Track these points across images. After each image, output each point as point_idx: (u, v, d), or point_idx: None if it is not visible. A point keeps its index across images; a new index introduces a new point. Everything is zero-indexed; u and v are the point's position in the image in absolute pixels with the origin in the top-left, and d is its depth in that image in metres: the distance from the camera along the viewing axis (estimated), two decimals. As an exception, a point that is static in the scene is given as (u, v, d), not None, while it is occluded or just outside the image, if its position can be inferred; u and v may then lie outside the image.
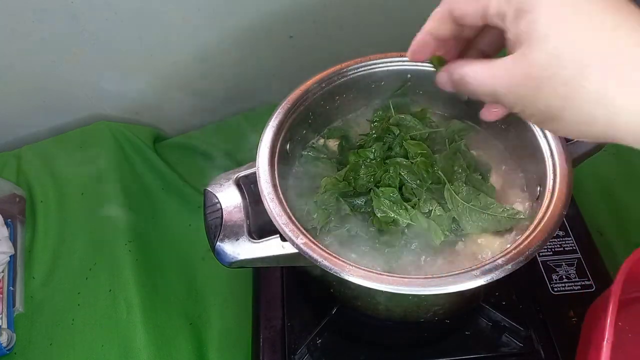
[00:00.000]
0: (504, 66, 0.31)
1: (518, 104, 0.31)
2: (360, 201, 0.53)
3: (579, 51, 0.27)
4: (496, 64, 0.31)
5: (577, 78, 0.27)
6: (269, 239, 0.47)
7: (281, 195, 0.48)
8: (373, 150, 0.55)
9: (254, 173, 0.50)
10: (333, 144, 0.60)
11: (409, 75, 0.59)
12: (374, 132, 0.58)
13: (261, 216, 0.49)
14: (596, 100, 0.27)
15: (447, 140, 0.56)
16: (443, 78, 0.38)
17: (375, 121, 0.60)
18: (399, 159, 0.54)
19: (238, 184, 0.52)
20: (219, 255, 0.48)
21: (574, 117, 0.28)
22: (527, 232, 0.44)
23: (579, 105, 0.28)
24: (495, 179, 0.56)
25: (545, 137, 0.50)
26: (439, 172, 0.52)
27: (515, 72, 0.30)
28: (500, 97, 0.32)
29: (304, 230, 0.45)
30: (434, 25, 0.36)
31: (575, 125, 0.29)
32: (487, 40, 0.38)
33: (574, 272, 0.60)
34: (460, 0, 0.33)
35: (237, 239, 0.48)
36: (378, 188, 0.52)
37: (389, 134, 0.57)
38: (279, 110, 0.54)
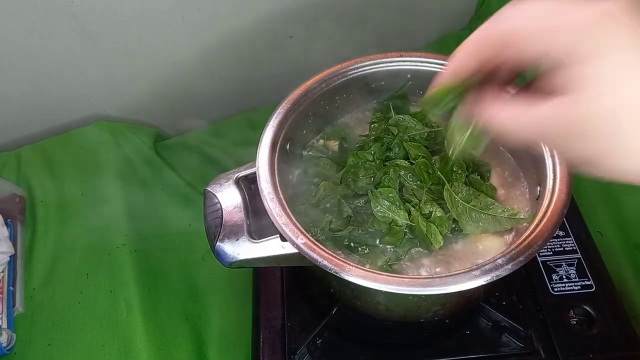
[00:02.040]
0: (552, 110, 0.28)
1: (556, 146, 0.31)
2: (360, 202, 0.53)
3: (630, 106, 0.26)
4: (541, 108, 0.29)
5: (627, 136, 0.27)
6: (269, 239, 0.47)
7: (281, 195, 0.48)
8: (372, 152, 0.55)
9: (254, 173, 0.50)
10: (333, 144, 0.60)
11: (409, 75, 0.59)
12: (373, 133, 0.58)
13: (261, 216, 0.49)
14: (634, 155, 0.27)
15: (445, 141, 0.56)
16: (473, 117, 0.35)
17: (374, 122, 0.60)
18: (399, 161, 0.54)
19: (238, 184, 0.52)
20: (219, 255, 0.48)
21: (616, 166, 0.28)
22: (527, 232, 0.44)
23: (620, 159, 0.27)
24: (495, 179, 0.56)
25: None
26: (439, 173, 0.52)
27: (558, 115, 0.28)
28: (540, 140, 0.30)
29: (304, 230, 0.45)
30: (459, 64, 0.33)
31: (612, 173, 0.28)
32: (506, 72, 0.34)
33: (574, 272, 0.60)
34: (521, 36, 0.29)
35: (237, 239, 0.48)
36: (377, 189, 0.52)
37: (388, 135, 0.57)
38: (279, 110, 0.54)
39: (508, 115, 0.31)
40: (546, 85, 0.29)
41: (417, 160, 0.53)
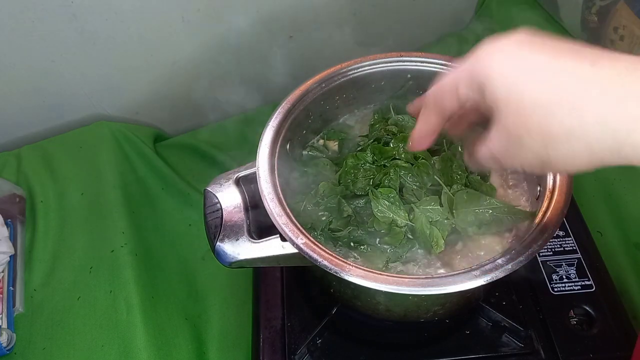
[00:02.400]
0: (491, 139, 0.35)
1: (513, 163, 0.35)
2: (360, 202, 0.53)
3: (536, 98, 0.30)
4: (486, 140, 0.35)
5: (546, 123, 0.30)
6: (269, 239, 0.47)
7: (281, 195, 0.48)
8: (372, 153, 0.55)
9: (254, 173, 0.50)
10: (333, 144, 0.60)
11: (409, 75, 0.59)
12: (373, 133, 0.58)
13: (261, 216, 0.49)
14: (568, 137, 0.30)
15: (445, 141, 0.56)
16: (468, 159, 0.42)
17: (374, 123, 0.60)
18: (399, 162, 0.54)
19: (238, 184, 0.52)
20: (219, 255, 0.48)
21: (559, 157, 0.31)
22: (527, 232, 0.44)
23: (555, 146, 0.30)
24: (495, 179, 0.56)
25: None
26: (436, 177, 0.52)
27: (500, 138, 0.34)
28: (504, 165, 0.36)
29: (304, 230, 0.45)
30: (423, 125, 0.40)
31: (564, 163, 0.31)
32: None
33: (574, 272, 0.60)
34: (435, 98, 0.38)
35: (237, 239, 0.48)
36: (377, 189, 0.52)
37: (388, 135, 0.57)
38: (279, 110, 0.54)
39: (478, 152, 0.37)
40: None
41: (416, 161, 0.53)
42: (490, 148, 0.35)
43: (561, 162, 0.31)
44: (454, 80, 0.36)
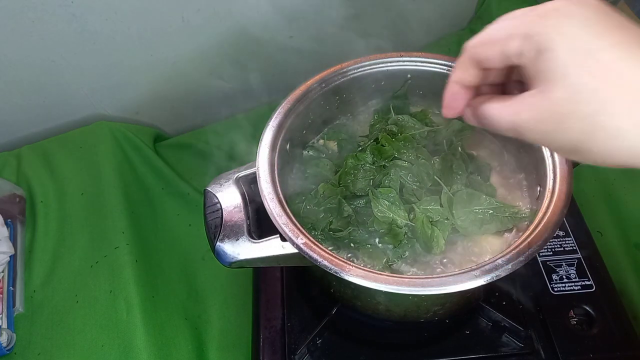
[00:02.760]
0: (525, 102, 0.32)
1: (541, 138, 0.32)
2: (360, 203, 0.53)
3: (597, 88, 0.28)
4: (516, 101, 0.32)
5: (597, 114, 0.28)
6: (269, 239, 0.47)
7: (281, 195, 0.48)
8: (371, 155, 0.55)
9: (254, 173, 0.50)
10: (333, 144, 0.60)
11: (409, 75, 0.59)
12: (373, 133, 0.58)
13: (261, 216, 0.49)
14: (616, 135, 0.28)
15: (445, 141, 0.56)
16: (467, 113, 0.38)
17: (374, 124, 0.60)
18: (399, 162, 0.54)
19: (238, 184, 0.52)
20: (219, 255, 0.48)
21: (596, 149, 0.29)
22: (527, 232, 0.44)
23: (601, 139, 0.29)
24: (495, 179, 0.56)
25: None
26: (436, 177, 0.52)
27: (537, 108, 0.31)
28: (522, 132, 0.33)
29: (304, 230, 0.45)
30: (460, 73, 0.36)
31: (598, 156, 0.30)
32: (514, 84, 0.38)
33: (574, 272, 0.60)
34: (480, 45, 0.34)
35: (237, 239, 0.48)
36: (377, 189, 0.52)
37: (388, 134, 0.57)
38: (279, 110, 0.54)
39: (489, 108, 0.34)
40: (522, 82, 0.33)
41: (416, 162, 0.53)
42: (518, 113, 0.32)
43: (599, 156, 0.30)
44: (508, 29, 0.32)
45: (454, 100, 0.37)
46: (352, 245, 0.51)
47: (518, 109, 0.32)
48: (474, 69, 0.35)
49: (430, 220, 0.50)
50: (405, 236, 0.51)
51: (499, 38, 0.33)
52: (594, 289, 0.58)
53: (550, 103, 0.30)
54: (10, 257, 0.69)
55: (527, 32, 0.31)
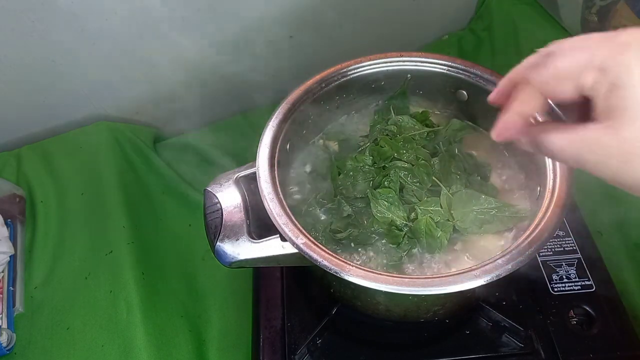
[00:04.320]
0: (591, 136, 0.31)
1: (604, 171, 0.32)
2: (361, 204, 0.53)
3: None
4: (581, 133, 0.32)
5: None
6: (269, 239, 0.47)
7: (281, 195, 0.48)
8: (371, 156, 0.55)
9: (254, 173, 0.50)
10: (333, 144, 0.60)
11: (409, 75, 0.59)
12: (374, 134, 0.58)
13: (261, 216, 0.49)
14: None
15: (442, 142, 0.56)
16: (524, 140, 0.37)
17: (374, 123, 0.60)
18: (398, 163, 0.54)
19: (238, 184, 0.52)
20: (219, 255, 0.48)
21: None
22: (527, 232, 0.44)
23: None
24: (495, 180, 0.56)
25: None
26: (434, 178, 0.52)
27: (603, 144, 0.30)
28: (585, 166, 0.32)
29: (304, 230, 0.45)
30: (523, 106, 0.35)
31: None
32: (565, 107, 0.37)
33: (574, 272, 0.60)
34: (553, 79, 0.33)
35: (237, 239, 0.48)
36: (376, 190, 0.52)
37: (388, 135, 0.57)
38: (279, 110, 0.54)
39: (551, 138, 0.33)
40: (584, 114, 0.32)
41: (416, 162, 0.53)
42: (582, 147, 0.32)
43: None
44: (582, 61, 0.31)
45: (509, 129, 0.36)
46: (352, 245, 0.51)
47: (583, 143, 0.32)
48: (540, 100, 0.34)
49: (433, 220, 0.50)
50: (405, 236, 0.51)
51: (574, 72, 0.31)
52: (594, 289, 0.58)
53: (619, 142, 0.30)
54: (10, 257, 0.69)
55: (604, 66, 0.30)
